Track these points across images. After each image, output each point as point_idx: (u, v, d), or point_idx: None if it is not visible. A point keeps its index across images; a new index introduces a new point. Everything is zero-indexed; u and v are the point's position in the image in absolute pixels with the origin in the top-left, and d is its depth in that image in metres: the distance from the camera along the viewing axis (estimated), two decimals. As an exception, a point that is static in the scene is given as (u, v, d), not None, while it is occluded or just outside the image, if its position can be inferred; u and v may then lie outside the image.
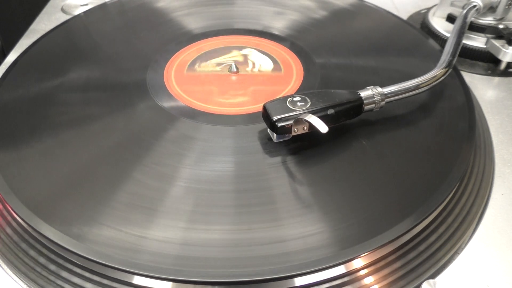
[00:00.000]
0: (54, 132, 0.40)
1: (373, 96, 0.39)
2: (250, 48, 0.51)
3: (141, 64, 0.48)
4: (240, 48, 0.51)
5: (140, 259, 0.30)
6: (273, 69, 0.48)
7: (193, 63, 0.49)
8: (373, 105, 0.39)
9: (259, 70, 0.48)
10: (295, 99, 0.38)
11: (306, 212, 0.33)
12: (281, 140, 0.38)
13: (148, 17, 0.57)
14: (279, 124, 0.37)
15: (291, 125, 0.37)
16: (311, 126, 0.36)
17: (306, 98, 0.38)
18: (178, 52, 0.50)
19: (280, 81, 0.46)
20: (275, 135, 0.38)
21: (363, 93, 0.39)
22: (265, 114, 0.38)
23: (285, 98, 0.38)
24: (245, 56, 0.50)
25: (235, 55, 0.50)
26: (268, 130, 0.38)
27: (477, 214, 0.37)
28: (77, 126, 0.41)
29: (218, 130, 0.40)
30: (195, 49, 0.51)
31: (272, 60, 0.49)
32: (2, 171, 0.37)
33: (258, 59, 0.49)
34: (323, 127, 0.35)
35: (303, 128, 0.37)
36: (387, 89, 0.40)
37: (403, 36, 0.54)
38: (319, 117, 0.36)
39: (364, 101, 0.39)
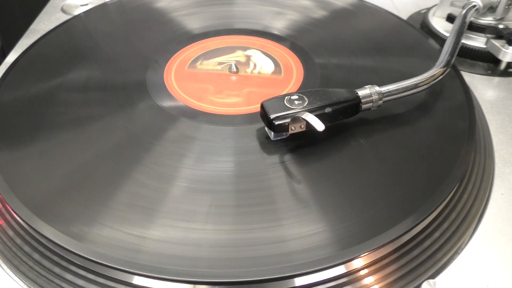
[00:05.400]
0: (54, 132, 0.40)
1: (370, 95, 0.39)
2: (254, 49, 0.51)
3: (141, 64, 0.48)
4: (243, 48, 0.51)
5: (140, 259, 0.30)
6: (274, 70, 0.48)
7: (193, 62, 0.49)
8: (371, 104, 0.39)
9: (259, 72, 0.47)
10: (293, 97, 0.38)
11: (306, 212, 0.33)
12: (279, 138, 0.38)
13: (148, 17, 0.57)
14: (276, 123, 0.37)
15: (288, 123, 0.37)
16: (308, 124, 0.36)
17: (304, 96, 0.38)
18: (178, 52, 0.50)
19: (280, 81, 0.46)
20: (272, 133, 0.38)
21: (361, 92, 0.39)
22: (263, 112, 0.38)
23: (282, 97, 0.38)
24: (248, 57, 0.50)
25: (238, 55, 0.50)
26: (266, 128, 0.38)
27: (477, 214, 0.37)
28: (77, 126, 0.41)
29: (218, 130, 0.40)
30: (195, 49, 0.51)
31: (273, 62, 0.49)
32: (2, 171, 0.37)
33: (260, 60, 0.49)
34: (319, 126, 0.35)
35: (300, 127, 0.37)
36: (385, 88, 0.40)
37: (403, 36, 0.54)
38: (316, 115, 0.36)
39: (362, 100, 0.39)
